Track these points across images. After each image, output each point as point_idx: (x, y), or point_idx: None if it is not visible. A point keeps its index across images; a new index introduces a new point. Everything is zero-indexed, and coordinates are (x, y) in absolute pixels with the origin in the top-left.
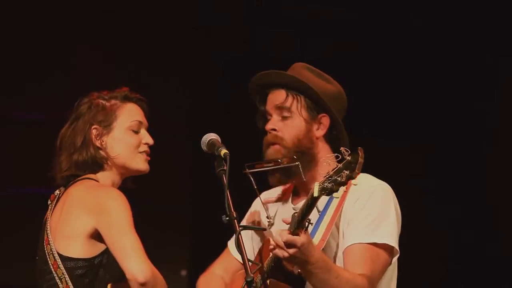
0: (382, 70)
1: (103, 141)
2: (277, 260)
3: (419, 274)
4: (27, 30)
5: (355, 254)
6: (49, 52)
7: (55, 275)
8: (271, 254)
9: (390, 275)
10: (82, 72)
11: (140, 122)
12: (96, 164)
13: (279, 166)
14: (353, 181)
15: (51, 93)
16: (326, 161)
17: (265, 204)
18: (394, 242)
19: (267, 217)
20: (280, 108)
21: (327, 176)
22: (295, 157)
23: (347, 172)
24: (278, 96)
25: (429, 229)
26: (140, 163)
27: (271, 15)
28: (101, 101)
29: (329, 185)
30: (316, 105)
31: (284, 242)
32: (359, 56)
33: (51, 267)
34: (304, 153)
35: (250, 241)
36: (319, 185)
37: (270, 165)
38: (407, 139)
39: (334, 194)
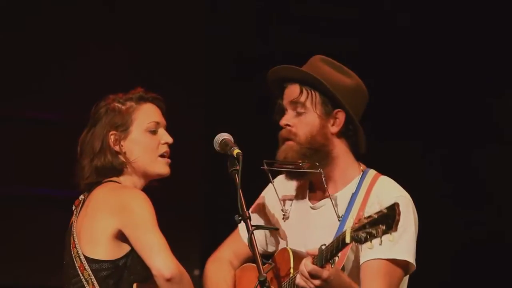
0: (391, 70)
1: (122, 146)
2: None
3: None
4: (40, 29)
5: (373, 270)
6: (61, 52)
7: (81, 277)
8: (290, 276)
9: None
10: (94, 73)
11: (157, 123)
12: (114, 169)
13: (299, 170)
14: (389, 238)
15: (63, 93)
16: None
17: (280, 198)
18: (412, 258)
19: (282, 210)
20: (294, 103)
21: (361, 225)
22: (317, 164)
23: (383, 227)
24: (292, 91)
25: (444, 232)
26: (161, 167)
27: (282, 13)
28: (117, 104)
29: (363, 235)
30: (331, 100)
31: (309, 273)
32: (366, 56)
33: (78, 269)
34: (317, 150)
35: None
36: (352, 232)
37: (290, 167)
38: (420, 139)
39: (367, 245)
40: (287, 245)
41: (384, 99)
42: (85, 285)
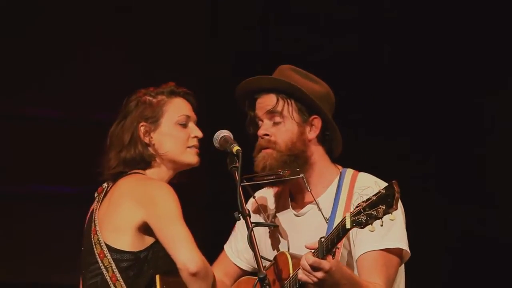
0: (390, 70)
1: (151, 138)
2: (301, 284)
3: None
4: (41, 27)
5: (370, 262)
6: (63, 49)
7: (101, 264)
8: (291, 275)
9: (399, 278)
10: (94, 72)
11: (188, 116)
12: (144, 161)
13: (281, 179)
14: (390, 217)
15: (63, 91)
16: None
17: (263, 213)
18: (405, 245)
19: (267, 222)
20: (271, 112)
21: (360, 208)
22: (298, 169)
23: (383, 207)
24: (268, 101)
25: (432, 227)
26: (190, 157)
27: (282, 13)
28: (148, 97)
29: (363, 218)
30: (307, 107)
31: (311, 266)
32: (358, 55)
33: (97, 256)
34: (297, 157)
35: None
36: (351, 217)
37: (271, 178)
38: (407, 136)
39: (369, 227)
40: None
41: (383, 99)
42: (104, 272)
